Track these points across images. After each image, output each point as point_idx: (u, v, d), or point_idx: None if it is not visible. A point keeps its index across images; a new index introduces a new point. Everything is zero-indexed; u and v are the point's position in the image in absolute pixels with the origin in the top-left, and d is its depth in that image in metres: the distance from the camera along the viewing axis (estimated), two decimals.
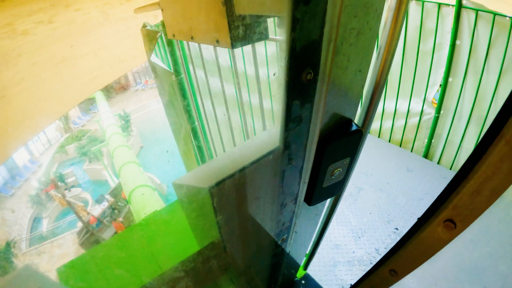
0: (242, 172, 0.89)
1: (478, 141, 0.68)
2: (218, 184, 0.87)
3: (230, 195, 0.94)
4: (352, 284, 1.44)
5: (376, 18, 0.87)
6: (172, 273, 1.33)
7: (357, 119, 1.09)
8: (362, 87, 1.01)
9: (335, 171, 1.09)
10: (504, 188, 0.62)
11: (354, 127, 1.03)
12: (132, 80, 33.92)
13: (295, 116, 0.83)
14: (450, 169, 4.48)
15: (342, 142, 1.01)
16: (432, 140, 4.62)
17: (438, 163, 4.64)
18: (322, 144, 0.96)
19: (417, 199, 3.85)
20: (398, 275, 1.04)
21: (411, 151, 4.96)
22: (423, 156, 4.78)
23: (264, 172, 0.96)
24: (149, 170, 18.54)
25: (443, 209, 0.76)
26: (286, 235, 1.37)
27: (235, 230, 1.12)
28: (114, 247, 3.35)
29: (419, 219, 0.86)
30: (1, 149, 2.25)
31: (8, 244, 16.26)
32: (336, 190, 1.22)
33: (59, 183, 20.13)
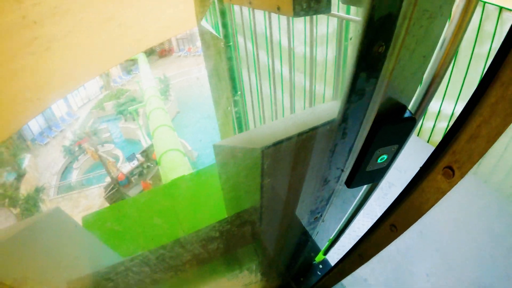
0: (300, 137, 0.88)
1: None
2: (275, 144, 0.86)
3: (282, 159, 0.93)
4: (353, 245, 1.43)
5: (449, 5, 0.84)
6: (205, 232, 1.35)
7: (409, 107, 1.06)
8: (423, 74, 0.98)
9: (381, 156, 1.06)
10: (500, 131, 0.62)
11: (408, 114, 1.00)
12: (175, 46, 34.12)
13: (359, 89, 0.81)
14: (485, 182, 4.33)
15: (395, 128, 0.98)
16: None
17: (474, 174, 4.49)
18: (375, 125, 0.94)
19: (447, 208, 3.76)
20: (397, 230, 1.03)
21: None
22: None
23: (318, 141, 0.95)
24: (182, 136, 18.80)
25: (442, 156, 0.76)
26: (320, 213, 1.36)
27: (275, 198, 1.11)
28: (142, 203, 3.46)
29: (421, 168, 0.86)
30: (41, 100, 2.31)
31: (37, 190, 16.95)
32: (377, 177, 1.19)
33: (93, 138, 20.77)
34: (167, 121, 14.06)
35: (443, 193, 0.80)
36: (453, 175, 0.74)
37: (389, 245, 3.40)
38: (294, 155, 0.94)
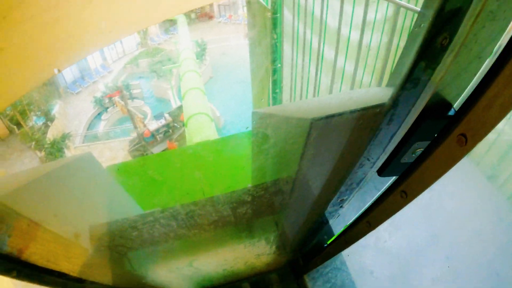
0: (351, 114, 0.90)
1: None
2: (327, 118, 0.88)
3: (328, 134, 0.95)
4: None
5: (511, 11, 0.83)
6: (239, 194, 1.39)
7: (454, 106, 1.05)
8: (474, 75, 0.97)
9: (418, 150, 1.07)
10: None
11: (452, 112, 1.00)
12: (216, 11, 34.00)
13: (415, 77, 0.82)
14: (508, 199, 4.22)
15: (438, 123, 0.98)
16: (503, 164, 4.32)
17: (500, 188, 4.37)
18: (420, 117, 0.94)
19: (464, 215, 3.71)
20: (407, 196, 1.05)
21: (477, 165, 4.69)
22: (487, 177, 4.51)
23: (365, 122, 0.96)
24: (211, 101, 18.93)
25: (458, 123, 0.78)
26: (347, 196, 1.38)
27: (311, 172, 1.14)
28: (165, 161, 3.55)
29: (437, 135, 0.89)
30: (78, 49, 2.36)
31: (63, 136, 17.49)
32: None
33: (125, 92, 21.14)
34: (199, 85, 14.14)
35: (455, 160, 0.82)
36: (465, 142, 0.77)
37: (398, 243, 3.42)
38: (340, 131, 0.96)
